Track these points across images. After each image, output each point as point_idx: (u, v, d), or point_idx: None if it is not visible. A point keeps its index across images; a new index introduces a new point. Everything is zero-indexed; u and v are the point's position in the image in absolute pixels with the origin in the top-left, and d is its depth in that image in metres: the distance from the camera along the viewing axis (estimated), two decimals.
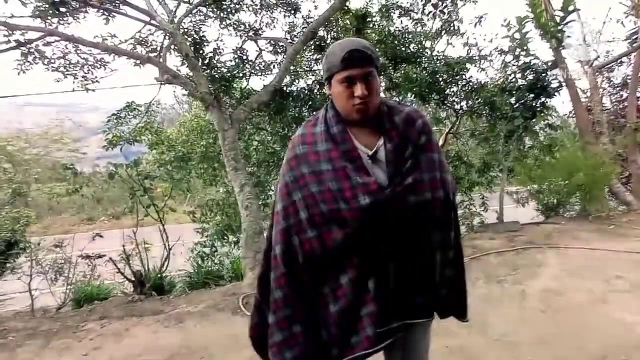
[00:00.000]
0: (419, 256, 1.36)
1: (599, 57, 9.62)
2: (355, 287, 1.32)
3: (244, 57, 7.37)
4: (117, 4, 5.85)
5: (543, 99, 6.20)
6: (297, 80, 8.19)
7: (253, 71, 7.69)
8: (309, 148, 1.40)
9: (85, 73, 6.28)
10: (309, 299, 1.38)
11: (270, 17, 7.61)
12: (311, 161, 1.38)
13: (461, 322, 1.59)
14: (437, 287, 1.43)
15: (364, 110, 1.35)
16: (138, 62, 6.09)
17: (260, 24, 7.60)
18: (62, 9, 5.23)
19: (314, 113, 1.82)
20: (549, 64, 6.30)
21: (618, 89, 10.93)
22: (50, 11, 5.13)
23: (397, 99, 7.71)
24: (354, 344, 1.32)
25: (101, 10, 5.67)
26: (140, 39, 6.51)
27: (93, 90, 6.43)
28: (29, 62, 5.59)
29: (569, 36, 6.21)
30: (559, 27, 6.12)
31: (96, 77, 6.37)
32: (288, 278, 1.39)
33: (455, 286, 1.53)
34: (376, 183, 1.31)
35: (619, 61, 10.45)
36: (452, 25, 7.89)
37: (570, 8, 5.99)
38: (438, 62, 7.10)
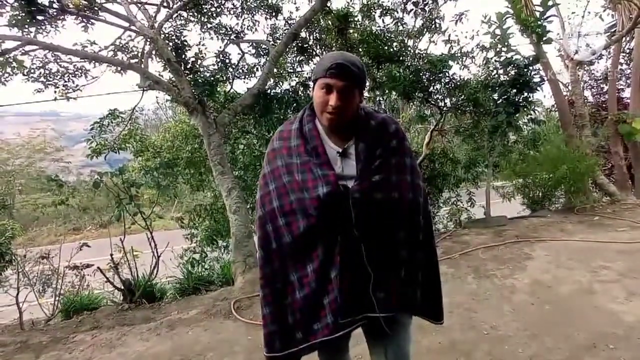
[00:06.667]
0: (382, 251, 1.40)
1: (578, 51, 9.76)
2: (318, 276, 1.40)
3: (227, 61, 7.38)
4: (95, 11, 5.78)
5: (525, 94, 6.24)
6: (280, 83, 8.20)
7: (236, 74, 7.69)
8: (284, 143, 1.52)
9: (66, 82, 6.23)
10: (280, 284, 1.48)
11: (251, 20, 7.63)
12: (284, 155, 1.49)
13: (436, 324, 1.65)
14: (403, 286, 1.45)
15: (333, 120, 1.39)
16: (119, 69, 6.03)
17: (242, 27, 7.61)
18: (40, 17, 5.15)
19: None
20: (530, 59, 6.36)
21: (599, 82, 11.11)
22: (28, 20, 5.05)
23: (381, 98, 7.75)
24: (316, 330, 1.42)
25: (79, 18, 5.60)
26: (121, 45, 6.45)
27: (74, 98, 6.37)
28: (7, 73, 5.49)
29: (549, 31, 6.26)
30: (539, 23, 6.19)
31: (77, 85, 6.33)
32: (264, 262, 1.51)
33: (428, 289, 1.57)
34: (335, 175, 1.38)
35: (598, 54, 10.63)
36: (433, 23, 7.96)
37: (550, 3, 6.06)
38: (421, 60, 7.15)
